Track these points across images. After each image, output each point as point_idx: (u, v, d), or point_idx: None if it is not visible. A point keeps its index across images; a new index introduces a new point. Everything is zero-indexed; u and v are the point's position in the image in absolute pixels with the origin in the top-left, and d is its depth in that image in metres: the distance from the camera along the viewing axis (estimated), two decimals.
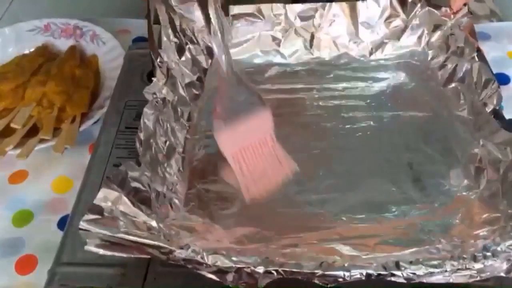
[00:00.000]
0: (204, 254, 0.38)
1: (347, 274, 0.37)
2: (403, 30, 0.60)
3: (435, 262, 0.37)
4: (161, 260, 0.39)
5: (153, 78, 0.51)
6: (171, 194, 0.46)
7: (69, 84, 0.62)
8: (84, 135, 0.58)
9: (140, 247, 0.38)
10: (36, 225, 0.51)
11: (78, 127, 0.58)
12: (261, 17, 0.60)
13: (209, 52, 0.60)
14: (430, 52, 0.59)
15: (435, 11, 0.58)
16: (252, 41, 0.60)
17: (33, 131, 0.58)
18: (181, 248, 0.38)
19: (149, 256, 0.39)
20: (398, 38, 0.60)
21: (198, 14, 0.58)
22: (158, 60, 0.52)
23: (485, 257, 0.38)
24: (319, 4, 0.59)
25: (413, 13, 0.59)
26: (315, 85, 0.58)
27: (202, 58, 0.59)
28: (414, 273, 0.37)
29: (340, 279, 0.37)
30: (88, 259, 0.42)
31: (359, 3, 0.59)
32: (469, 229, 0.43)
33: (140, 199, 0.41)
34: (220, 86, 0.49)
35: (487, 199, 0.45)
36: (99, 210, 0.38)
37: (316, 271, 0.37)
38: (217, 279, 0.37)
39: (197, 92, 0.56)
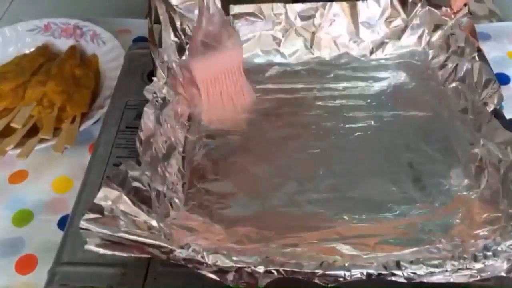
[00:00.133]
0: (205, 253, 0.38)
1: (347, 273, 0.37)
2: (403, 30, 0.60)
3: (435, 262, 0.37)
4: (162, 260, 0.39)
5: (153, 78, 0.51)
6: (171, 194, 0.46)
7: (70, 84, 0.62)
8: (84, 135, 0.58)
9: (141, 247, 0.38)
10: (36, 225, 0.51)
11: (78, 127, 0.58)
12: (262, 16, 0.60)
13: None
14: (430, 51, 0.59)
15: (436, 11, 0.58)
16: (252, 41, 0.61)
17: (33, 131, 0.58)
18: (182, 247, 0.38)
19: (149, 256, 0.39)
20: (399, 38, 0.60)
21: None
22: (159, 59, 0.52)
23: (485, 256, 0.38)
24: (320, 3, 0.59)
25: (413, 13, 0.59)
26: (316, 85, 0.58)
27: None
28: (414, 273, 0.37)
29: (341, 279, 0.37)
30: (88, 259, 0.42)
31: (359, 3, 0.59)
32: (470, 229, 0.43)
33: (141, 198, 0.41)
34: (201, 18, 0.53)
35: (487, 199, 0.45)
36: (99, 209, 0.38)
37: (316, 270, 0.37)
38: (218, 279, 0.37)
39: (197, 92, 0.56)
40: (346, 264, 0.37)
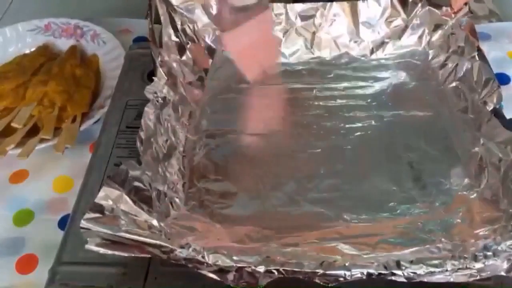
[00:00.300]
0: (205, 253, 0.38)
1: (348, 273, 0.37)
2: (403, 30, 0.60)
3: (435, 262, 0.38)
4: (162, 260, 0.39)
5: (154, 78, 0.51)
6: (172, 193, 0.46)
7: (70, 84, 0.62)
8: (85, 134, 0.58)
9: (141, 246, 0.38)
10: (37, 224, 0.52)
11: (78, 127, 0.58)
12: None
13: (210, 52, 0.60)
14: (430, 51, 0.59)
15: (436, 11, 0.58)
16: None
17: (33, 131, 0.58)
18: (182, 247, 0.38)
19: (150, 255, 0.39)
20: (399, 38, 0.60)
21: (198, 13, 0.58)
22: (159, 59, 0.52)
23: (485, 256, 0.38)
24: (320, 3, 0.59)
25: (413, 13, 0.59)
26: (316, 85, 0.58)
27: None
28: (414, 273, 0.37)
29: (341, 279, 0.37)
30: (89, 258, 0.42)
31: (359, 3, 0.59)
32: (470, 228, 0.43)
33: (141, 198, 0.41)
34: None
35: (487, 198, 0.45)
36: (100, 209, 0.38)
37: (317, 270, 0.37)
38: (218, 279, 0.37)
39: (197, 92, 0.57)
40: (347, 264, 0.38)
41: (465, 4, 0.56)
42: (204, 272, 0.38)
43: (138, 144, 0.45)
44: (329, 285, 0.37)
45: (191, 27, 0.58)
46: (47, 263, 0.44)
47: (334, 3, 0.59)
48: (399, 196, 0.47)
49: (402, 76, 0.58)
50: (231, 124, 0.54)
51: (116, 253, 0.38)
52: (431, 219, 0.44)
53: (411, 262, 0.38)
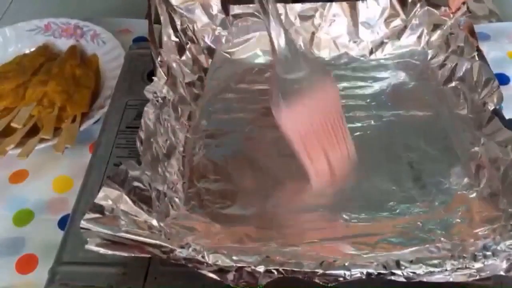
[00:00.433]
0: (205, 253, 0.38)
1: (347, 273, 0.37)
2: (403, 30, 0.60)
3: (435, 261, 0.38)
4: (162, 259, 0.39)
5: (153, 78, 0.51)
6: (171, 193, 0.46)
7: (70, 84, 0.62)
8: (85, 134, 0.58)
9: (141, 246, 0.38)
10: (37, 224, 0.52)
11: (78, 127, 0.58)
12: (262, 16, 0.60)
13: (210, 52, 0.60)
14: (430, 51, 0.59)
15: (435, 11, 0.58)
16: (252, 41, 0.61)
17: (33, 131, 0.58)
18: (182, 247, 0.38)
19: (149, 255, 0.39)
20: (398, 38, 0.60)
21: (198, 13, 0.58)
22: (159, 59, 0.52)
23: (485, 256, 0.38)
24: (319, 4, 0.59)
25: (412, 13, 0.59)
26: None
27: (202, 58, 0.59)
28: (414, 272, 0.37)
29: (341, 278, 0.37)
30: (88, 258, 0.43)
31: (359, 3, 0.59)
32: (469, 228, 0.43)
33: (141, 198, 0.41)
34: (276, 66, 0.44)
35: (487, 198, 0.45)
36: (100, 209, 0.39)
37: (316, 270, 0.37)
38: (218, 278, 0.37)
39: (197, 92, 0.57)
40: (346, 264, 0.38)
41: (463, 3, 0.56)
42: (204, 272, 0.38)
43: (138, 144, 0.45)
44: (329, 285, 0.37)
45: (191, 27, 0.59)
46: (47, 263, 0.44)
47: (334, 3, 0.59)
48: (399, 196, 0.47)
49: (402, 76, 0.58)
50: (231, 124, 0.54)
51: (116, 253, 0.38)
52: (431, 218, 0.44)
53: (411, 261, 0.38)
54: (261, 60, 0.61)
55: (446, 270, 0.37)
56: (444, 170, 0.49)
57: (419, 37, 0.60)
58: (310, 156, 0.45)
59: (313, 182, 0.45)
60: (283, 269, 0.37)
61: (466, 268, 0.37)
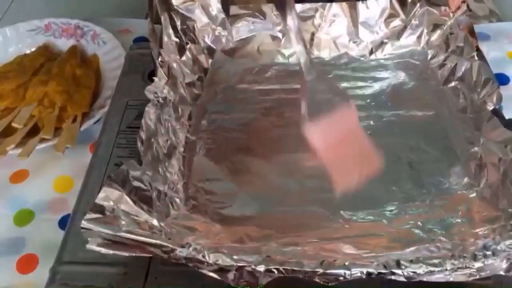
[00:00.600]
0: (205, 252, 0.38)
1: (347, 272, 0.37)
2: (402, 30, 0.60)
3: (435, 261, 0.38)
4: (162, 259, 0.39)
5: (154, 78, 0.51)
6: (172, 193, 0.46)
7: (70, 84, 0.62)
8: (85, 134, 0.58)
9: (142, 246, 0.38)
10: (37, 224, 0.52)
11: (79, 127, 0.58)
12: (262, 17, 0.60)
13: (210, 52, 0.60)
14: (429, 51, 0.60)
15: (435, 11, 0.59)
16: (252, 41, 0.61)
17: (34, 131, 0.58)
18: (183, 246, 0.39)
19: (150, 255, 0.39)
20: (398, 38, 0.60)
21: (198, 14, 0.58)
22: (159, 59, 0.52)
23: (485, 256, 0.38)
24: (319, 4, 0.60)
25: (412, 13, 0.59)
26: None
27: (202, 58, 0.59)
28: (414, 272, 0.37)
29: (341, 278, 0.37)
30: (89, 258, 0.43)
31: (359, 3, 0.59)
32: (469, 228, 0.43)
33: (142, 198, 0.41)
34: (303, 88, 0.48)
35: (487, 198, 0.45)
36: (100, 209, 0.39)
37: (317, 269, 0.37)
38: (218, 278, 0.38)
39: (197, 92, 0.57)
40: (346, 263, 0.38)
41: (463, 2, 0.56)
42: (204, 271, 0.38)
43: (139, 144, 0.45)
44: (329, 284, 0.37)
45: (191, 27, 0.59)
46: (48, 263, 0.44)
47: (333, 3, 0.59)
48: (399, 196, 0.47)
49: (402, 76, 0.59)
50: (231, 124, 0.54)
51: (117, 253, 0.38)
52: (431, 218, 0.45)
53: (411, 261, 0.38)
54: (261, 60, 0.61)
55: (446, 269, 0.37)
56: (444, 170, 0.49)
57: (419, 37, 0.60)
58: (331, 160, 0.46)
59: (339, 190, 0.46)
60: (283, 269, 0.38)
61: (466, 267, 0.37)
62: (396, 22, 0.60)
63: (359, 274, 0.37)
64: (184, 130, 0.52)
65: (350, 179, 0.46)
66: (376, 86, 0.58)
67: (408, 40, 0.60)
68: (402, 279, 0.37)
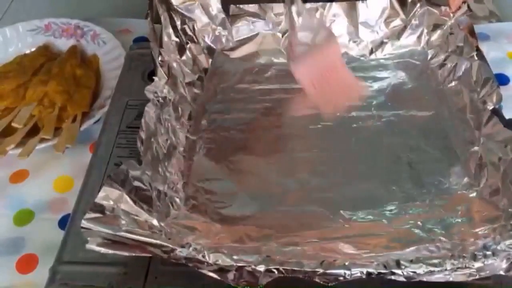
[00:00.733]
0: (205, 252, 0.38)
1: (347, 272, 0.37)
2: (402, 30, 0.60)
3: (435, 261, 0.38)
4: (162, 259, 0.39)
5: (154, 78, 0.51)
6: (172, 193, 0.46)
7: (70, 84, 0.62)
8: (85, 134, 0.58)
9: (142, 246, 0.38)
10: (37, 224, 0.52)
11: (79, 127, 0.58)
12: (262, 16, 0.60)
13: (210, 52, 0.60)
14: (430, 51, 0.59)
15: (435, 11, 0.59)
16: (252, 41, 0.61)
17: (34, 131, 0.58)
18: (183, 246, 0.39)
19: (150, 255, 0.39)
20: (398, 38, 0.60)
21: (198, 14, 0.58)
22: (159, 59, 0.52)
23: (485, 256, 0.38)
24: (319, 4, 0.59)
25: (412, 13, 0.59)
26: None
27: (202, 58, 0.59)
28: (414, 272, 0.37)
29: (341, 278, 0.37)
30: (89, 258, 0.43)
31: (359, 3, 0.59)
32: (469, 228, 0.43)
33: (141, 198, 0.41)
34: (292, 23, 0.52)
35: (487, 197, 0.45)
36: (100, 209, 0.39)
37: (317, 269, 0.37)
38: (218, 278, 0.38)
39: (197, 91, 0.57)
40: (346, 263, 0.38)
41: (464, 2, 0.57)
42: (204, 271, 0.38)
43: (139, 144, 0.45)
44: (329, 284, 0.37)
45: (191, 27, 0.59)
46: (47, 262, 0.44)
47: (334, 3, 0.59)
48: (399, 196, 0.47)
49: (401, 76, 0.59)
50: (231, 124, 0.54)
51: (117, 252, 0.38)
52: (431, 218, 0.44)
53: (411, 261, 0.38)
54: (261, 60, 0.61)
55: (446, 269, 0.37)
56: (444, 170, 0.49)
57: (419, 37, 0.60)
58: (317, 92, 0.52)
59: (324, 114, 0.53)
60: (283, 269, 0.38)
61: (466, 267, 0.37)
62: (396, 22, 0.60)
63: (359, 274, 0.37)
64: (184, 130, 0.52)
65: (336, 104, 0.53)
66: (376, 86, 0.58)
67: (408, 40, 0.60)
68: (402, 279, 0.37)
